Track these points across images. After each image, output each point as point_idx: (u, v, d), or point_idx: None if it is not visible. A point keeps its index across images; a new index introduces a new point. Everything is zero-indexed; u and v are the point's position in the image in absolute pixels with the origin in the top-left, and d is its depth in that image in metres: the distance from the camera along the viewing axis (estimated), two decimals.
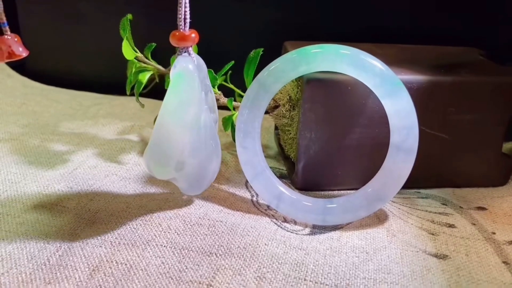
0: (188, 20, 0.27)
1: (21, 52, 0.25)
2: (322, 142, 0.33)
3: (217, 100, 0.37)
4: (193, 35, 0.27)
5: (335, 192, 0.34)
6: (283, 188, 0.31)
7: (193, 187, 0.30)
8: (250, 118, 0.30)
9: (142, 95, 0.39)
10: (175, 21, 0.27)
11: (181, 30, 0.27)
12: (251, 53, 0.36)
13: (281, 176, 0.36)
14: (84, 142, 0.41)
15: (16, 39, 0.25)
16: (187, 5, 0.26)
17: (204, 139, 0.29)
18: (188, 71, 0.27)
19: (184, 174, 0.29)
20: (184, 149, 0.28)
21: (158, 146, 0.28)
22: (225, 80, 0.39)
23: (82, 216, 0.29)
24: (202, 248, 0.27)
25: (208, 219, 0.30)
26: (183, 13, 0.27)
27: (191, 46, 0.28)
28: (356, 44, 0.32)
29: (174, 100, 0.28)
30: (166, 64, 0.39)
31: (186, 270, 0.25)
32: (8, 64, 0.60)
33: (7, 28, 0.25)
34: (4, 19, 0.24)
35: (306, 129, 0.33)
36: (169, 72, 0.39)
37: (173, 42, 0.27)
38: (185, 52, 0.28)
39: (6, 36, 0.25)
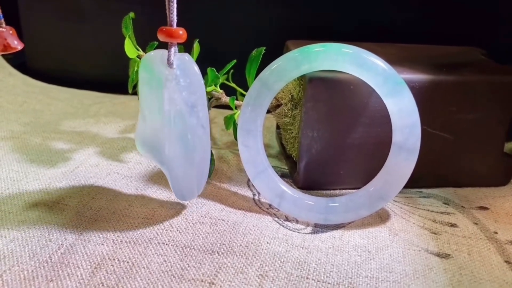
0: (174, 17, 0.27)
1: (16, 45, 0.25)
2: (324, 141, 0.33)
3: (219, 99, 0.37)
4: (180, 31, 0.27)
5: (337, 192, 0.34)
6: (285, 187, 0.31)
7: (175, 191, 0.29)
8: (252, 117, 0.30)
9: None
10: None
11: (170, 26, 0.27)
12: (253, 52, 0.36)
13: (282, 175, 0.36)
14: (85, 140, 0.41)
15: (11, 32, 0.25)
16: (173, 3, 0.26)
17: (177, 145, 0.28)
18: (147, 60, 0.27)
19: (166, 172, 0.29)
20: (158, 139, 0.28)
21: (142, 121, 0.29)
22: (227, 79, 0.39)
23: (84, 214, 0.29)
24: (204, 246, 0.27)
25: (210, 218, 0.30)
26: (168, 10, 0.26)
27: (175, 42, 0.27)
28: (358, 43, 0.32)
29: (140, 85, 0.28)
30: None
31: (188, 268, 0.25)
32: (10, 62, 0.60)
33: (2, 20, 0.25)
34: None
35: (308, 128, 0.33)
36: None
37: (160, 37, 0.27)
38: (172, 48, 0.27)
39: (1, 29, 0.25)
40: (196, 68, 0.28)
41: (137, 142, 0.29)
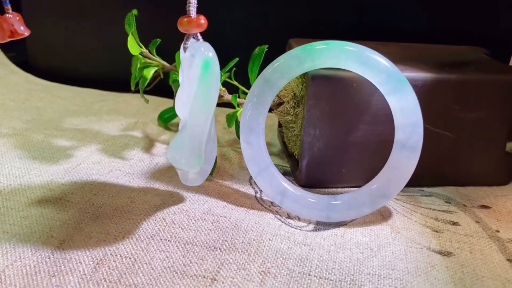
0: (194, 7, 0.27)
1: (23, 31, 0.25)
2: (327, 139, 0.33)
3: (222, 96, 0.37)
4: (202, 20, 0.27)
5: (339, 190, 0.34)
6: (287, 185, 0.31)
7: (200, 177, 0.30)
8: (254, 114, 0.30)
9: (146, 92, 0.39)
10: (180, 16, 0.27)
11: (191, 15, 0.26)
12: (256, 50, 0.36)
13: (284, 174, 0.36)
14: (87, 138, 0.41)
15: (18, 18, 0.25)
16: None
17: (211, 126, 0.29)
18: (213, 58, 0.27)
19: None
20: (201, 135, 0.28)
21: (192, 139, 0.27)
22: (229, 77, 0.39)
23: (86, 210, 0.30)
24: (206, 242, 0.27)
25: (212, 215, 0.30)
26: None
27: (199, 32, 0.27)
28: (361, 42, 0.32)
29: (207, 88, 0.27)
30: (171, 60, 0.39)
31: (191, 264, 0.25)
32: (12, 60, 0.61)
33: (9, 6, 0.25)
34: None
35: (311, 126, 0.33)
36: (174, 68, 0.39)
37: (182, 28, 0.26)
38: (194, 38, 0.27)
39: (8, 15, 0.25)
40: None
41: (193, 160, 0.28)
